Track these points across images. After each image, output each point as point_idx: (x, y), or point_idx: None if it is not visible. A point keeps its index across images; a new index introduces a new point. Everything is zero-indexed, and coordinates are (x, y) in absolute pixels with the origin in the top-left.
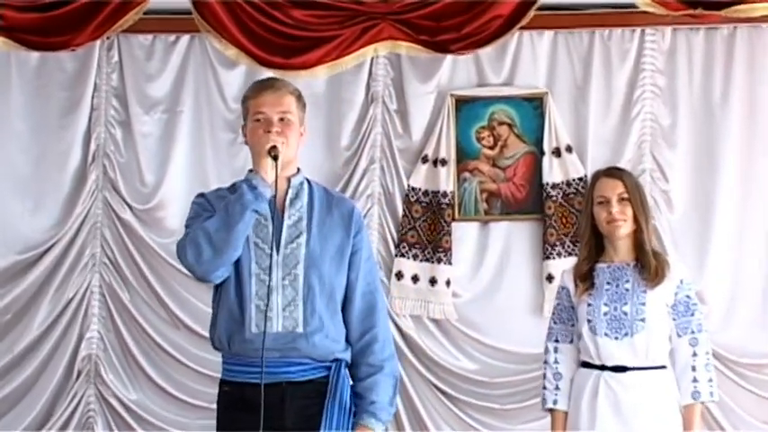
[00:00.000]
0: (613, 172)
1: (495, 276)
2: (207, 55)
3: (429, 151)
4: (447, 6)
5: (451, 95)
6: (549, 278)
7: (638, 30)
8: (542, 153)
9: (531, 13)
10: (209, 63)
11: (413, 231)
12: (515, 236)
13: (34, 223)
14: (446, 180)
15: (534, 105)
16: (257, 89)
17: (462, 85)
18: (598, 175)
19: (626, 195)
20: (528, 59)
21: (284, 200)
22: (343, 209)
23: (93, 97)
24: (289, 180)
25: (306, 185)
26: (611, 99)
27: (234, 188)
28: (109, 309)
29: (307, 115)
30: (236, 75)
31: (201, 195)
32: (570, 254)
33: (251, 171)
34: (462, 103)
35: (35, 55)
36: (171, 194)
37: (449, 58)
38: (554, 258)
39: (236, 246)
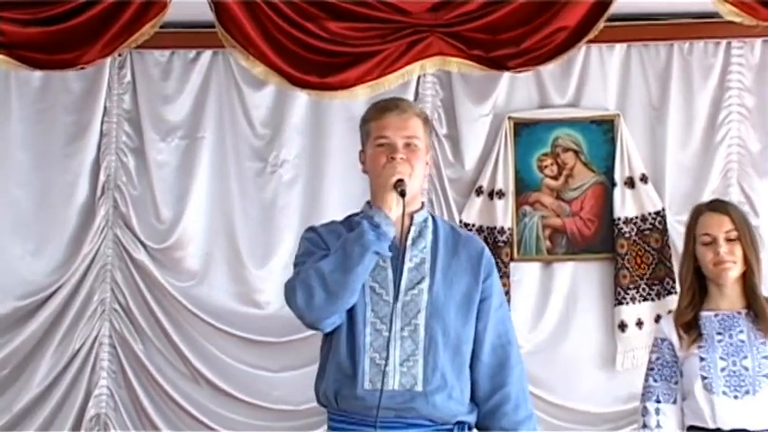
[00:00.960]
0: (718, 206)
1: (560, 324)
2: (231, 73)
3: (484, 182)
4: (504, 17)
5: (509, 118)
6: (622, 326)
7: (724, 42)
8: (613, 184)
9: (601, 24)
10: (233, 82)
11: None
12: (583, 278)
13: (36, 265)
14: (503, 214)
15: (604, 129)
16: (380, 110)
17: (522, 107)
18: (701, 210)
19: (734, 233)
20: (597, 77)
21: (406, 239)
22: (471, 249)
23: (102, 122)
24: (411, 216)
25: (430, 222)
26: (692, 121)
27: (349, 222)
28: (120, 362)
29: (431, 141)
30: (265, 96)
31: (312, 230)
32: (646, 298)
33: (369, 204)
34: (522, 127)
35: (38, 74)
36: (190, 232)
37: (506, 76)
38: (627, 304)
39: (353, 291)
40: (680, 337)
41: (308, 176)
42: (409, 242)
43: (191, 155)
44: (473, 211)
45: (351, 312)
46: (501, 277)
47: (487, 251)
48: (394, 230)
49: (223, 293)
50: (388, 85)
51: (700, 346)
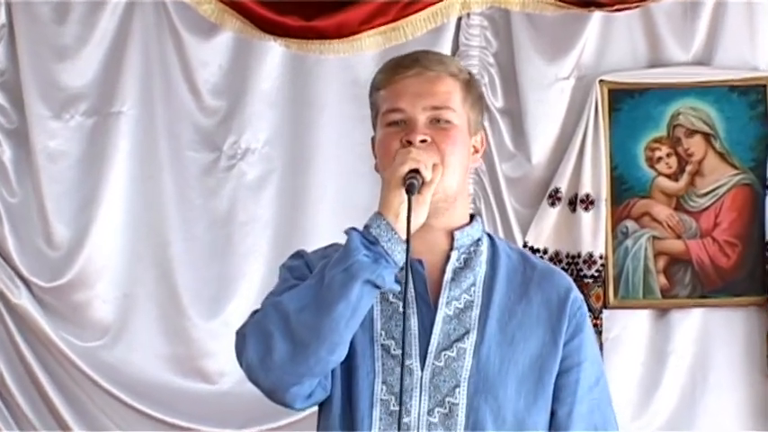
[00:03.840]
0: None
1: (685, 405)
2: (164, 13)
3: (562, 183)
4: None
5: (602, 83)
6: None
7: None
8: (766, 186)
9: None
10: (167, 27)
11: None
12: (718, 335)
13: None
14: (593, 235)
15: (751, 100)
16: (391, 69)
17: (621, 66)
18: None
19: None
20: (739, 21)
21: (441, 272)
22: (549, 290)
23: None
24: (452, 236)
25: (485, 246)
26: None
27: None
28: None
29: (482, 117)
30: (218, 48)
31: (299, 256)
32: None
33: (377, 212)
34: (621, 97)
35: None
36: (100, 261)
37: (597, 18)
38: None
39: (333, 343)
40: None
41: (286, 174)
42: (447, 276)
43: (101, 141)
44: (544, 229)
45: (350, 383)
46: None
47: (577, 293)
48: (403, 250)
49: (151, 358)
50: (412, 31)
51: None
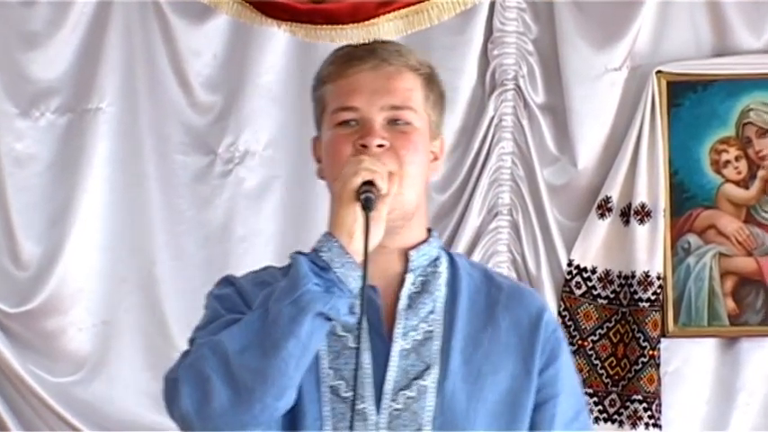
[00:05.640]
0: None
1: None
2: None
3: (613, 192)
4: None
5: (659, 75)
6: None
7: None
8: None
9: None
10: (153, 12)
11: (579, 358)
12: None
13: None
14: (649, 251)
15: None
16: (341, 60)
17: (681, 55)
18: None
19: None
20: None
21: (395, 298)
22: (519, 312)
23: None
24: (406, 256)
25: (444, 265)
26: None
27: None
28: None
29: (443, 119)
30: (212, 35)
31: (228, 283)
32: None
33: (326, 233)
34: (682, 91)
35: None
36: (75, 283)
37: (651, 1)
38: None
39: (281, 387)
40: None
41: (291, 181)
42: (403, 303)
43: (76, 142)
44: (593, 245)
45: (295, 429)
46: (645, 366)
47: (551, 314)
48: (358, 277)
49: (134, 395)
50: (437, 14)
51: None
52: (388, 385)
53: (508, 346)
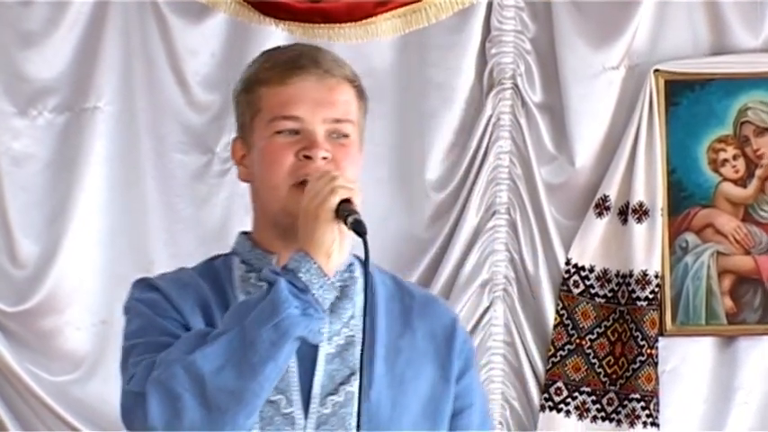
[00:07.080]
0: None
1: None
2: None
3: (611, 191)
4: None
5: (657, 74)
6: None
7: None
8: None
9: None
10: (151, 11)
11: (577, 357)
12: None
13: None
14: (647, 250)
15: None
16: (284, 66)
17: (679, 53)
18: None
19: None
20: None
21: None
22: (433, 321)
23: None
24: None
25: (358, 270)
26: None
27: (214, 271)
28: None
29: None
30: (209, 34)
31: (149, 286)
32: None
33: (251, 240)
34: (680, 90)
35: None
36: (72, 283)
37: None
38: None
39: (254, 407)
40: None
41: None
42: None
43: (73, 142)
44: (590, 244)
45: None
46: (643, 365)
47: (462, 326)
48: (334, 297)
49: None
50: (435, 13)
51: None
52: (316, 390)
53: (426, 353)
